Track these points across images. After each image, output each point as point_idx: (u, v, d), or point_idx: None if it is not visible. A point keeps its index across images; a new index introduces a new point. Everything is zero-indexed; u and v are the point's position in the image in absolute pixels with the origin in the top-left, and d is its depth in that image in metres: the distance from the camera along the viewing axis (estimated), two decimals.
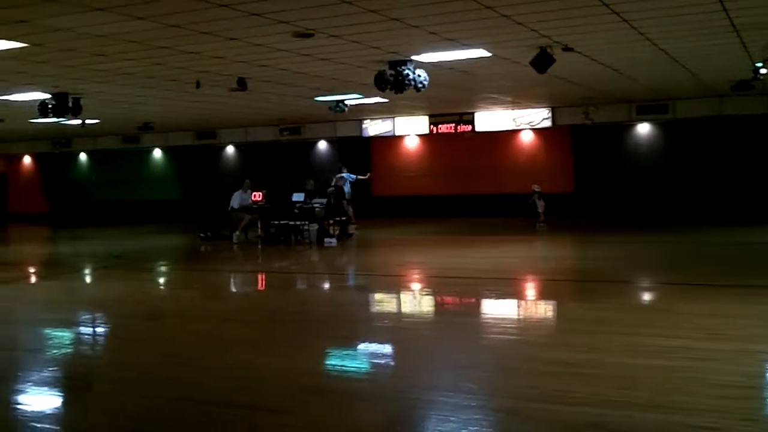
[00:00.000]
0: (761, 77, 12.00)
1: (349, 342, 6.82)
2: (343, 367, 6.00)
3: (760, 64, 11.53)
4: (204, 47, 9.66)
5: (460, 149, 22.70)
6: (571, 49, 10.24)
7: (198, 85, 12.32)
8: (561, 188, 21.46)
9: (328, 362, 6.17)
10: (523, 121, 20.88)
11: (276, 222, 16.07)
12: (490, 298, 9.33)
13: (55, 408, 5.12)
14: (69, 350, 6.99)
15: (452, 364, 5.76)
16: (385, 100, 16.47)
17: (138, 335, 7.37)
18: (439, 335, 7.20)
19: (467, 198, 22.57)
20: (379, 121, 22.49)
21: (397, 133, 22.77)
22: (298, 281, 11.67)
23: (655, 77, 14.36)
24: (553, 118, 20.39)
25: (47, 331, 7.80)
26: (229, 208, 16.74)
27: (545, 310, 8.82)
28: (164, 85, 13.05)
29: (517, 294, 9.78)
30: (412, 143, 23.73)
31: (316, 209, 15.78)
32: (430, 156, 23.56)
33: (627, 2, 7.88)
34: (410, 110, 20.51)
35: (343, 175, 17.72)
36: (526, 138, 22.09)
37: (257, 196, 16.69)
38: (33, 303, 9.87)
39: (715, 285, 9.12)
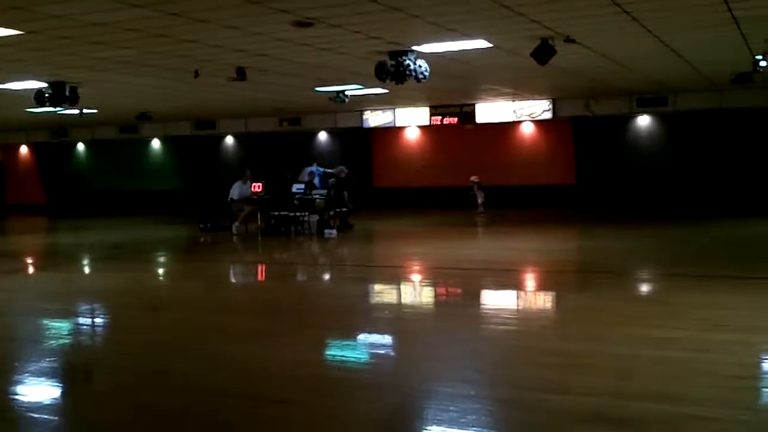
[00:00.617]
0: (761, 70, 11.96)
1: (349, 333, 6.80)
2: (344, 358, 5.99)
3: (760, 57, 11.49)
4: (202, 36, 9.60)
5: (460, 141, 22.67)
6: (572, 41, 10.20)
7: (197, 74, 12.26)
8: (562, 180, 21.47)
9: (328, 353, 6.15)
10: (524, 113, 20.84)
11: (276, 213, 16.04)
12: (491, 289, 9.32)
13: (54, 398, 5.10)
14: (68, 341, 6.96)
15: (452, 355, 5.74)
16: (386, 91, 16.43)
17: (137, 326, 7.34)
18: (440, 326, 7.19)
19: (468, 189, 22.51)
20: (380, 112, 22.45)
21: (397, 125, 22.73)
22: (299, 272, 11.65)
23: (656, 69, 14.32)
24: (554, 110, 20.35)
25: (46, 321, 7.77)
26: (229, 199, 16.70)
27: (545, 301, 8.81)
28: (162, 75, 13.00)
29: (517, 285, 9.77)
30: (412, 134, 23.69)
31: (317, 200, 15.74)
32: (430, 147, 23.52)
33: None
34: (411, 101, 20.47)
35: (312, 169, 16.84)
36: (527, 130, 22.05)
37: (257, 186, 16.65)
38: (31, 294, 9.84)
39: (714, 276, 9.12)
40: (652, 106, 19.39)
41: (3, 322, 7.82)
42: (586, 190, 20.98)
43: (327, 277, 11.36)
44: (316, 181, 16.68)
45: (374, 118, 22.66)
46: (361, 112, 22.50)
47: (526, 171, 21.92)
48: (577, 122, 20.71)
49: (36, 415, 4.61)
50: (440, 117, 21.70)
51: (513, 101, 20.52)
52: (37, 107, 14.64)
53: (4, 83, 13.75)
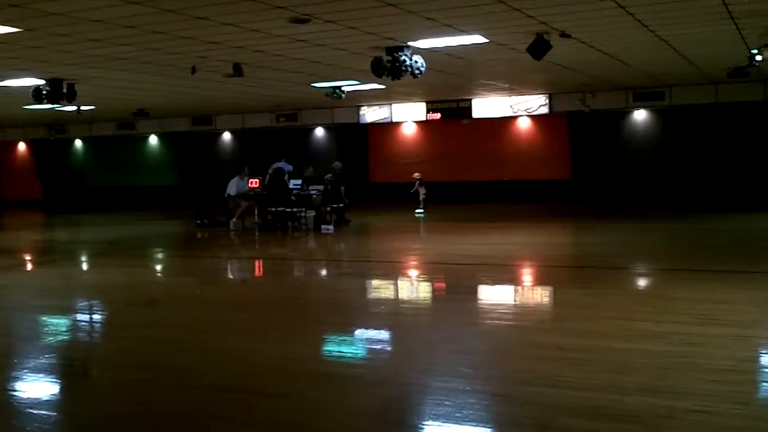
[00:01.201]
0: (757, 64, 12.00)
1: (345, 328, 6.83)
2: (340, 353, 6.03)
3: (755, 51, 11.53)
4: (199, 32, 9.62)
5: (457, 136, 22.70)
6: (568, 36, 10.23)
7: (193, 70, 12.26)
8: (558, 175, 21.52)
9: (325, 348, 6.19)
10: (520, 108, 20.86)
11: (273, 209, 16.06)
12: (487, 284, 9.35)
13: (52, 394, 5.13)
14: (65, 337, 6.99)
15: (448, 349, 5.78)
16: (382, 87, 16.45)
17: (134, 321, 7.37)
18: (436, 321, 7.23)
19: (464, 185, 22.59)
20: (377, 107, 22.46)
21: (394, 120, 22.74)
22: (296, 268, 11.68)
23: (652, 64, 14.35)
24: (551, 105, 20.38)
25: (43, 317, 7.80)
26: (226, 195, 16.72)
27: (541, 295, 8.85)
28: (160, 71, 13.01)
29: (514, 280, 9.81)
30: (409, 130, 23.70)
31: (313, 196, 15.76)
32: (427, 142, 23.54)
33: None
34: (407, 97, 20.49)
35: (281, 165, 16.68)
36: (524, 125, 22.09)
37: (254, 182, 16.66)
38: (28, 290, 9.87)
39: (710, 271, 9.17)
40: (648, 100, 19.42)
41: (0, 318, 7.84)
42: (583, 184, 21.03)
43: (324, 272, 11.39)
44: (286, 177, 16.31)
45: (371, 114, 22.67)
46: (358, 108, 22.51)
47: (522, 166, 21.96)
48: (573, 117, 20.74)
49: (35, 411, 4.64)
50: (432, 113, 21.72)
51: (509, 96, 20.55)
52: (35, 104, 14.64)
53: (2, 80, 13.75)
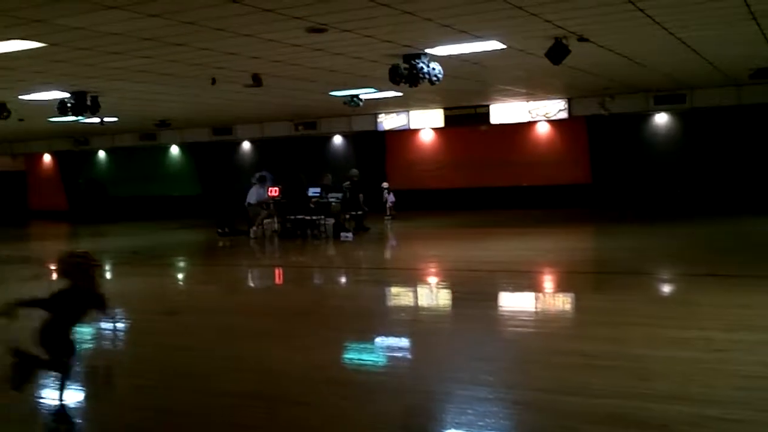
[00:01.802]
0: None
1: (366, 335, 6.84)
2: (361, 360, 6.03)
3: None
4: (218, 44, 9.69)
5: (475, 142, 22.66)
6: (586, 40, 10.18)
7: (213, 81, 12.38)
8: (577, 179, 21.40)
9: (346, 355, 6.19)
10: (538, 113, 20.76)
11: (292, 217, 16.12)
12: (508, 290, 9.32)
13: (78, 401, 5.18)
14: (90, 345, 7.05)
15: (470, 357, 5.76)
16: (400, 94, 16.46)
17: (158, 329, 7.43)
18: (457, 328, 7.20)
19: (483, 190, 22.54)
20: (394, 114, 22.48)
21: (412, 127, 22.75)
22: (316, 275, 11.71)
23: (672, 66, 14.23)
24: (570, 109, 20.27)
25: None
26: (246, 203, 16.81)
27: (563, 302, 8.79)
28: (180, 82, 13.12)
29: (535, 286, 9.76)
30: (427, 136, 23.70)
31: (332, 204, 15.80)
32: (445, 149, 23.53)
33: None
34: (425, 103, 20.49)
35: (264, 173, 17.41)
36: (542, 129, 22.00)
37: (274, 191, 16.75)
38: None
39: (735, 276, 9.06)
40: (669, 103, 19.23)
41: (26, 327, 7.91)
42: (603, 189, 20.89)
43: (343, 279, 11.41)
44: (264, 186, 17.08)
45: (388, 121, 22.69)
46: (376, 115, 22.54)
47: (541, 171, 21.87)
48: (592, 121, 20.62)
49: (63, 419, 4.68)
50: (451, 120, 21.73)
51: (527, 101, 20.48)
52: (60, 116, 14.83)
53: (28, 94, 13.94)
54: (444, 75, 11.43)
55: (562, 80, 15.87)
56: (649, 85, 17.48)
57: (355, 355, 6.21)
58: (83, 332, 7.57)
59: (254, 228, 16.44)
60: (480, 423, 4.24)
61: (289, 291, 10.36)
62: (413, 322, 7.61)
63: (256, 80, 12.37)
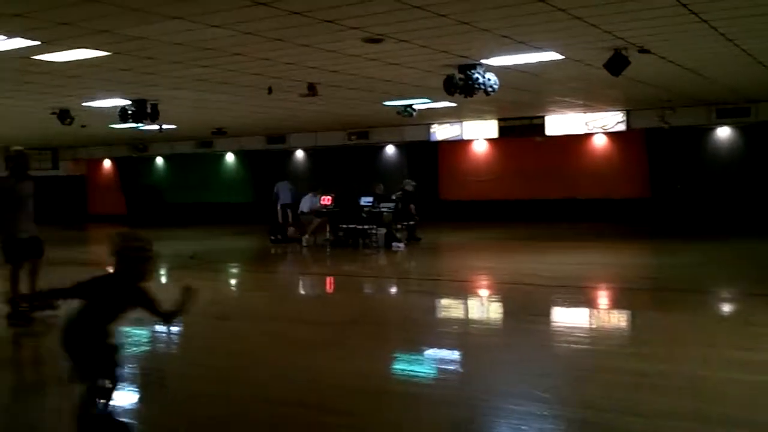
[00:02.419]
0: None
1: (417, 346, 6.80)
2: (412, 372, 5.99)
3: None
4: (276, 54, 9.82)
5: (530, 153, 22.46)
6: (647, 51, 10.00)
7: (270, 90, 12.53)
8: (635, 193, 21.01)
9: (396, 366, 6.17)
10: (595, 125, 20.46)
11: (344, 226, 16.19)
12: (562, 305, 9.17)
13: (132, 403, 5.27)
14: (145, 348, 7.19)
15: (522, 372, 5.68)
16: (454, 104, 16.41)
17: (210, 334, 7.52)
18: (509, 342, 7.11)
19: (537, 203, 22.31)
20: (447, 125, 22.42)
21: (465, 137, 22.65)
22: (366, 285, 11.72)
23: (736, 78, 13.86)
24: (628, 122, 19.91)
25: (125, 328, 8.03)
26: (299, 212, 16.96)
27: (619, 319, 8.62)
28: (237, 91, 13.32)
29: (590, 302, 9.58)
30: (480, 147, 23.58)
31: (384, 213, 15.82)
32: (499, 160, 23.37)
33: (706, 2, 7.64)
34: (479, 114, 20.38)
35: (285, 184, 19.39)
36: (599, 142, 21.67)
37: (326, 199, 16.86)
38: None
39: None
40: (732, 116, 18.71)
41: None
42: (662, 203, 20.44)
43: (394, 290, 11.39)
44: (287, 194, 19.06)
45: (441, 131, 22.63)
46: (429, 125, 22.51)
47: (597, 184, 21.54)
48: (651, 134, 20.22)
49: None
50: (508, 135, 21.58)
51: (584, 113, 20.20)
52: (121, 123, 15.22)
53: (91, 101, 14.35)
54: (499, 85, 11.35)
55: (621, 92, 15.61)
56: (711, 97, 17.05)
57: (404, 366, 6.18)
58: (136, 335, 7.73)
59: (306, 236, 16.57)
60: None
61: (339, 300, 10.39)
62: (464, 334, 7.54)
63: (312, 90, 12.49)
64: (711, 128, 19.77)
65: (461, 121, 22.13)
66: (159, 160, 29.93)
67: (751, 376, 5.30)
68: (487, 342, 7.11)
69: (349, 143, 23.97)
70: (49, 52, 9.39)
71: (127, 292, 4.17)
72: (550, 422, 4.49)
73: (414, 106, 16.48)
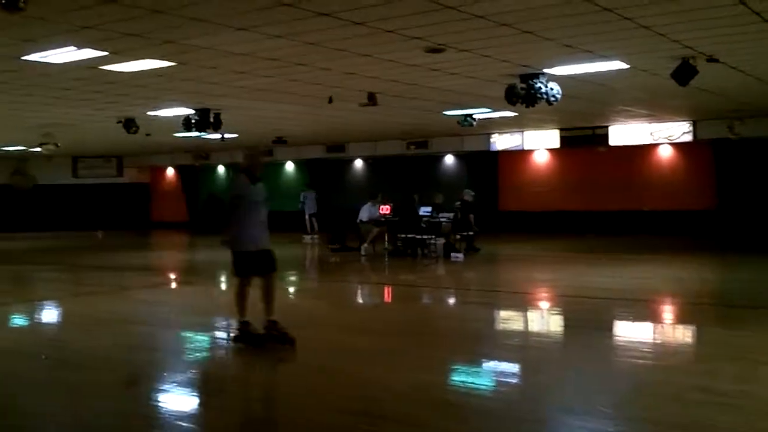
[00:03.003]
0: None
1: (476, 358, 6.72)
2: (472, 383, 5.91)
3: None
4: (337, 63, 9.90)
5: (592, 164, 22.11)
6: (716, 60, 9.75)
7: (330, 100, 12.65)
8: (700, 205, 20.44)
9: (456, 377, 6.11)
10: (661, 135, 20.02)
11: (403, 235, 16.18)
12: (625, 319, 8.96)
13: (193, 408, 5.34)
14: (205, 354, 7.30)
15: (585, 387, 5.55)
16: (515, 114, 16.28)
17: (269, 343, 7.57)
18: (571, 356, 6.97)
19: (599, 214, 21.92)
20: (508, 134, 22.24)
21: (526, 147, 22.43)
22: (425, 295, 11.67)
23: None
24: (695, 132, 19.43)
25: (185, 334, 8.18)
26: (358, 221, 17.03)
27: (684, 334, 8.37)
28: (298, 101, 13.49)
29: (653, 316, 9.33)
30: (541, 157, 23.31)
31: (443, 223, 15.76)
32: (560, 170, 23.06)
33: None
34: (540, 123, 20.17)
35: (308, 193, 22.87)
36: (665, 153, 21.19)
37: (385, 209, 16.89)
38: (173, 307, 10.40)
39: None
40: None
41: (149, 333, 8.30)
42: (728, 216, 19.83)
43: (453, 300, 11.31)
44: (309, 201, 22.95)
45: (502, 141, 22.47)
46: (488, 135, 22.37)
47: (661, 195, 21.05)
48: (719, 145, 19.66)
49: (177, 423, 4.84)
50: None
51: (649, 123, 19.78)
52: (184, 132, 15.56)
53: (155, 110, 14.72)
54: (562, 95, 11.21)
55: (688, 102, 15.24)
56: None
57: (463, 377, 6.11)
58: (197, 340, 7.85)
59: (365, 245, 16.61)
60: None
61: (397, 309, 10.36)
62: (524, 347, 7.43)
63: (372, 99, 12.56)
64: None
65: (522, 131, 21.93)
66: (220, 169, 30.46)
67: None
68: (548, 355, 6.98)
69: (408, 152, 24.00)
70: (116, 63, 9.67)
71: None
72: None
73: (474, 116, 16.40)
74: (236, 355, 7.44)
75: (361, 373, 6.06)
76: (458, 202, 16.55)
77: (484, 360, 6.72)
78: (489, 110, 15.86)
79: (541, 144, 22.16)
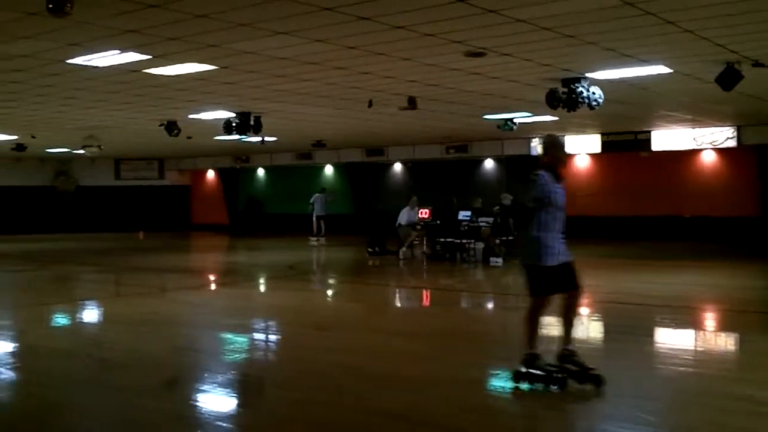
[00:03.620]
0: None
1: (514, 363, 6.67)
2: (509, 388, 5.88)
3: None
4: (377, 67, 9.93)
5: (634, 169, 21.82)
6: (761, 65, 9.56)
7: (370, 104, 12.69)
8: (743, 212, 20.03)
9: (494, 382, 6.08)
10: (704, 140, 19.68)
11: (442, 239, 16.16)
12: (666, 326, 8.83)
13: (232, 409, 5.40)
14: (245, 355, 7.38)
15: (626, 394, 5.48)
16: (556, 118, 16.15)
17: (308, 344, 7.63)
18: (612, 363, 6.87)
19: (641, 219, 21.63)
20: None
21: (566, 151, 22.19)
22: (464, 299, 11.64)
23: None
24: (739, 138, 19.05)
25: (226, 335, 8.28)
26: (397, 224, 17.05)
27: (727, 342, 8.21)
28: (338, 104, 13.56)
29: (695, 323, 9.18)
30: (582, 162, 23.08)
31: (483, 228, 15.69)
32: (601, 175, 22.81)
33: None
34: (581, 128, 19.96)
35: (321, 195, 24.21)
36: (708, 158, 20.82)
37: (424, 213, 16.88)
38: (214, 309, 10.53)
39: None
40: None
41: (190, 334, 8.41)
42: None
43: (492, 305, 11.26)
44: (318, 203, 24.09)
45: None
46: (529, 139, 22.22)
47: (705, 201, 20.68)
48: (763, 151, 19.26)
49: (217, 423, 4.90)
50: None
51: (692, 128, 19.46)
52: (225, 135, 15.75)
53: (197, 113, 14.92)
54: (604, 99, 11.09)
55: (732, 107, 14.95)
56: None
57: (502, 382, 6.08)
58: (236, 342, 7.94)
59: (404, 249, 16.63)
60: None
61: (435, 313, 10.35)
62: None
63: (411, 103, 12.57)
64: None
65: (563, 135, 21.73)
66: (260, 172, 30.76)
67: None
68: (589, 362, 6.89)
69: (447, 157, 23.96)
70: (159, 66, 9.81)
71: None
72: None
73: (514, 120, 16.31)
74: (275, 357, 7.52)
75: (400, 377, 6.07)
76: (497, 206, 16.47)
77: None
78: (529, 114, 15.76)
79: (581, 148, 21.94)
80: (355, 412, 5.09)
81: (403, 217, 17.03)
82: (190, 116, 15.27)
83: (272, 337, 8.50)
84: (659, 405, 5.23)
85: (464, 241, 15.72)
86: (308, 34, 7.93)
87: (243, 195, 31.25)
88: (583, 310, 10.30)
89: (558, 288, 5.79)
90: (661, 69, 10.18)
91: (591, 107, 10.96)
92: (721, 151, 20.27)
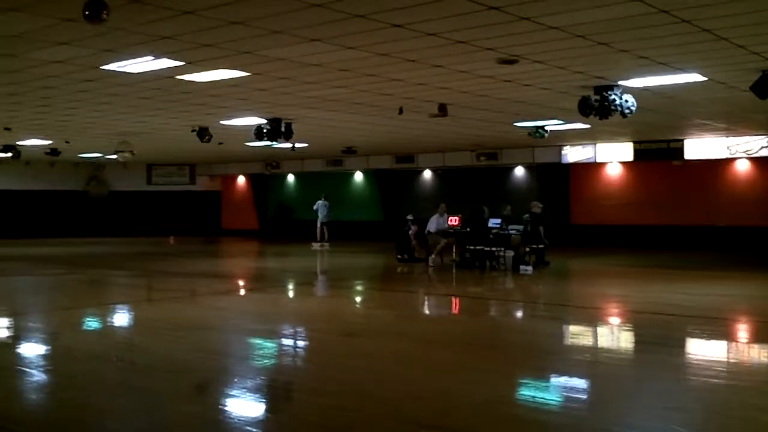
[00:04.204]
0: None
1: (546, 373, 6.63)
2: (541, 399, 5.83)
3: None
4: (409, 74, 9.95)
5: (666, 177, 21.57)
6: None
7: (401, 111, 12.70)
8: None
9: (522, 392, 6.04)
10: (738, 149, 19.40)
11: (471, 247, 16.09)
12: (699, 337, 8.69)
13: (261, 414, 5.42)
14: (274, 360, 7.40)
15: (657, 405, 5.40)
16: (587, 126, 16.03)
17: (337, 350, 7.64)
18: (642, 374, 6.79)
19: (673, 229, 21.37)
20: (580, 147, 21.91)
21: (598, 160, 22.05)
22: (494, 308, 11.57)
23: None
24: None
25: (255, 340, 8.32)
26: (426, 231, 17.01)
27: (761, 354, 8.06)
28: (369, 111, 13.59)
29: (729, 335, 9.02)
30: (614, 170, 22.87)
31: (512, 236, 15.60)
32: (633, 184, 22.58)
33: None
34: (613, 136, 19.80)
35: (323, 202, 24.77)
36: (742, 167, 20.51)
37: (454, 220, 16.84)
38: (243, 314, 10.59)
39: None
40: None
41: (219, 339, 8.47)
42: None
43: (521, 314, 11.18)
44: (322, 210, 24.77)
45: (573, 153, 22.15)
46: (560, 147, 22.09)
47: (739, 211, 20.37)
48: None
49: (246, 428, 4.92)
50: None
51: (726, 137, 19.19)
52: (256, 141, 15.87)
53: (228, 119, 15.06)
54: (637, 107, 10.99)
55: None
56: None
57: (531, 392, 6.03)
58: (266, 347, 7.97)
59: (433, 256, 16.59)
60: None
61: (464, 321, 10.31)
62: (594, 363, 7.28)
63: (442, 110, 12.57)
64: None
65: (594, 143, 21.58)
66: (290, 178, 30.92)
67: None
68: (620, 373, 6.83)
69: (477, 164, 23.89)
70: (192, 72, 9.93)
71: None
72: None
73: (546, 127, 16.22)
74: (304, 363, 7.54)
75: (430, 385, 6.05)
76: (527, 215, 16.37)
77: (553, 375, 6.62)
78: (561, 122, 15.66)
79: (613, 157, 21.76)
80: (384, 420, 5.08)
81: (432, 224, 16.99)
82: (222, 122, 15.41)
83: (301, 343, 8.53)
84: (691, 416, 5.15)
85: (494, 248, 15.63)
86: (340, 41, 7.97)
87: (273, 201, 31.43)
88: (614, 320, 10.20)
89: None
90: (696, 77, 10.07)
91: (623, 115, 10.87)
92: (756, 160, 19.97)
